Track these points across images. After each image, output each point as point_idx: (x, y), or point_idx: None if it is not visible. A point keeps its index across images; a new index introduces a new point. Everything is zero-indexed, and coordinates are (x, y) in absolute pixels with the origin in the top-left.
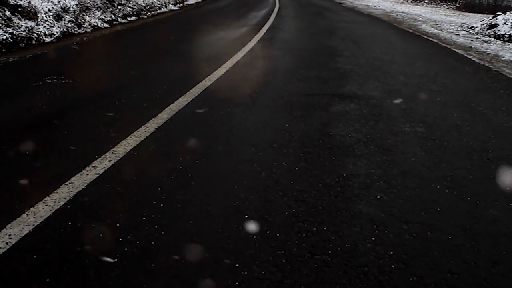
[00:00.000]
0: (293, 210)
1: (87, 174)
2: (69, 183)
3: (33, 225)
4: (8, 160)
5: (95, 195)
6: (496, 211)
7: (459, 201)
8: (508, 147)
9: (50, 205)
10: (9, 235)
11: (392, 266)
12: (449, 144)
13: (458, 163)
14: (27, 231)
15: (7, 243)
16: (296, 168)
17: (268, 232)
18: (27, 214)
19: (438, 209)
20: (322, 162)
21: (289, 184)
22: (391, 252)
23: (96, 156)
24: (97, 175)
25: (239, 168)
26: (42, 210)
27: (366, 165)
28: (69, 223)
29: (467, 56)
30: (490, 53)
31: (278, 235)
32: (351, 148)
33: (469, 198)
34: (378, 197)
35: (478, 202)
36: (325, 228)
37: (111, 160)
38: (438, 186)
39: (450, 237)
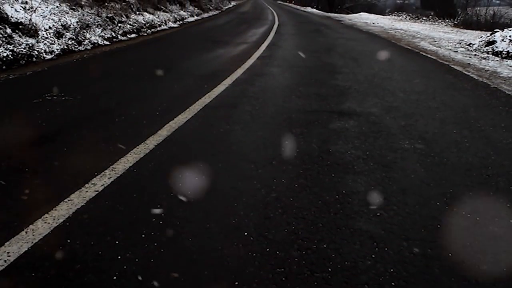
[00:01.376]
0: (293, 228)
1: (87, 191)
2: (68, 200)
3: (32, 242)
4: (8, 177)
5: (94, 212)
6: (496, 228)
7: (459, 218)
8: (507, 163)
9: (49, 223)
10: (8, 252)
11: (393, 283)
12: (448, 161)
13: (458, 180)
14: (26, 249)
15: (5, 261)
16: (296, 185)
17: (267, 249)
18: (26, 232)
19: (438, 226)
20: (322, 179)
21: (289, 201)
22: (391, 270)
23: (96, 173)
24: (96, 192)
25: (238, 185)
26: (41, 227)
27: (365, 182)
28: (68, 241)
29: (465, 72)
30: (488, 70)
31: (278, 252)
32: (351, 165)
33: (469, 215)
34: (378, 214)
35: (478, 219)
36: (325, 246)
37: (110, 177)
38: (438, 203)
39: (450, 254)
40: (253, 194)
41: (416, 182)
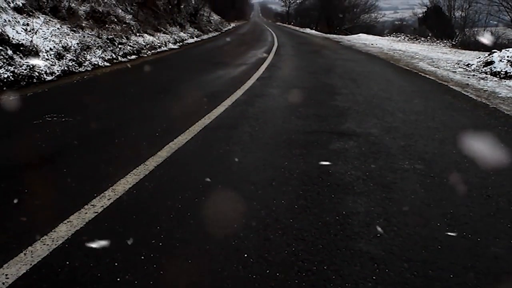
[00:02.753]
0: (293, 249)
1: (86, 213)
2: (68, 222)
3: (31, 264)
4: (7, 198)
5: (94, 234)
6: (497, 249)
7: (460, 239)
8: (507, 183)
9: (48, 244)
10: (6, 274)
11: None
12: (448, 181)
13: (458, 200)
14: (24, 271)
15: (3, 283)
16: (296, 206)
17: (267, 271)
18: (25, 254)
19: (439, 247)
20: (322, 200)
21: (289, 223)
22: None
23: (95, 195)
24: (96, 214)
25: (238, 206)
26: (40, 249)
27: (365, 203)
28: (67, 263)
29: (464, 93)
30: (487, 90)
31: (278, 274)
32: (351, 186)
33: (470, 236)
34: (378, 235)
35: (479, 239)
36: (325, 267)
37: (110, 198)
38: (439, 224)
39: (451, 276)
40: (253, 215)
41: (416, 203)
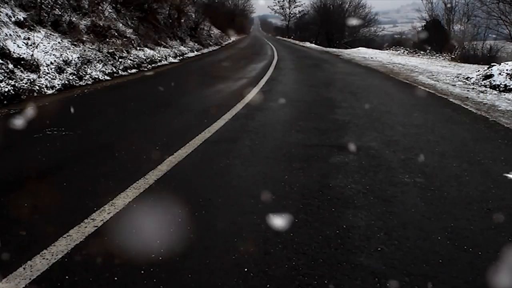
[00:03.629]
0: (293, 263)
1: (86, 227)
2: (67, 236)
3: (30, 279)
4: (6, 212)
5: (94, 248)
6: (499, 262)
7: (460, 253)
8: (508, 197)
9: (47, 259)
10: None
11: None
12: (449, 195)
13: (459, 214)
14: (23, 285)
15: None
16: (296, 220)
17: (268, 286)
18: (24, 268)
19: (440, 261)
20: (322, 213)
21: (289, 236)
22: None
23: (95, 209)
24: (96, 228)
25: (238, 220)
26: (39, 263)
27: (366, 217)
28: (66, 277)
29: (464, 106)
30: (486, 103)
31: None
32: (351, 200)
33: (470, 249)
34: (379, 249)
35: (480, 253)
36: (326, 282)
37: (110, 212)
38: (439, 237)
39: None
40: (253, 229)
41: (417, 216)
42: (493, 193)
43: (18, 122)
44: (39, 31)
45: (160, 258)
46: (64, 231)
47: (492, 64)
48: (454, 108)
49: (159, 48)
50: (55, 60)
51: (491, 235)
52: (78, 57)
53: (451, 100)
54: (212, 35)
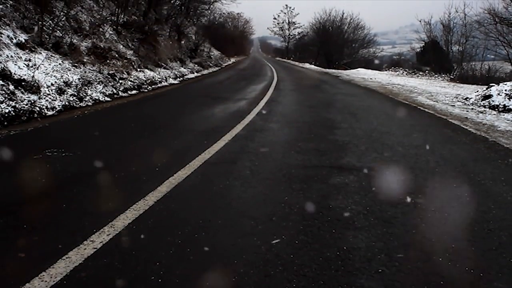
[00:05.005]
0: (294, 285)
1: (85, 249)
2: (66, 258)
3: None
4: (5, 234)
5: (93, 270)
6: (500, 284)
7: (462, 274)
8: (509, 217)
9: (46, 281)
10: None
11: None
12: (449, 216)
13: (460, 235)
14: None
15: None
16: (296, 242)
17: None
18: None
19: (441, 282)
20: (322, 235)
21: (289, 258)
22: None
23: (94, 230)
24: (95, 250)
25: (238, 242)
26: (38, 285)
27: (366, 238)
28: None
29: (463, 126)
30: (486, 124)
31: None
32: (351, 221)
33: (472, 271)
34: (380, 270)
35: (481, 274)
36: None
37: (109, 234)
38: (440, 259)
39: None
40: (253, 251)
41: (417, 238)
42: (493, 213)
43: (18, 143)
44: (40, 53)
45: (160, 280)
46: (63, 253)
47: (491, 84)
48: (453, 128)
49: (159, 69)
50: (55, 82)
51: (493, 256)
52: (79, 79)
53: (450, 120)
54: (212, 56)
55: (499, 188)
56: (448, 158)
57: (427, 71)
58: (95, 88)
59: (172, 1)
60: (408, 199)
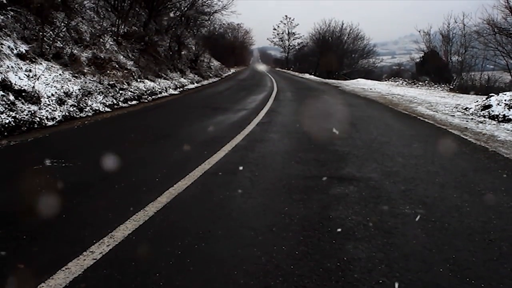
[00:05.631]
0: None
1: (84, 260)
2: (66, 269)
3: None
4: (5, 245)
5: (92, 281)
6: None
7: (463, 284)
8: (509, 228)
9: None
10: None
11: None
12: (450, 226)
13: (460, 245)
14: None
15: None
16: (296, 252)
17: None
18: None
19: None
20: (323, 246)
21: (290, 269)
22: None
23: (94, 241)
24: (95, 260)
25: (238, 252)
26: None
27: (367, 249)
28: None
29: (463, 136)
30: (485, 134)
31: None
32: (352, 231)
33: (473, 281)
34: (380, 281)
35: (482, 285)
36: None
37: (109, 245)
38: (441, 269)
39: None
40: (253, 261)
41: (418, 248)
42: (494, 223)
43: (18, 153)
44: (41, 63)
45: None
46: (62, 264)
47: (490, 94)
48: (453, 138)
49: (159, 80)
50: (56, 92)
51: (493, 267)
52: (79, 89)
53: (450, 130)
54: (212, 67)
55: (499, 198)
56: (448, 168)
57: (426, 81)
58: (95, 98)
59: (172, 12)
60: (408, 209)
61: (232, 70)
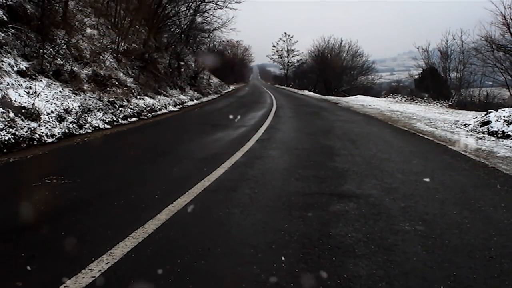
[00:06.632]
0: None
1: (83, 277)
2: (64, 287)
3: None
4: (3, 263)
5: None
6: None
7: None
8: (510, 244)
9: None
10: None
11: None
12: (450, 243)
13: (461, 262)
14: None
15: None
16: (296, 270)
17: None
18: None
19: None
20: (323, 263)
21: (290, 287)
22: None
23: (93, 258)
24: (93, 278)
25: (238, 270)
26: None
27: (367, 266)
28: None
29: (462, 153)
30: (485, 150)
31: None
32: (352, 248)
33: None
34: None
35: None
36: None
37: (108, 262)
38: (442, 287)
39: None
40: (253, 279)
41: (418, 265)
42: (495, 240)
43: (18, 170)
44: (41, 80)
45: None
46: (61, 282)
47: (489, 110)
48: (453, 154)
49: (159, 97)
50: (55, 109)
51: (495, 284)
52: (79, 106)
53: (449, 147)
54: (211, 83)
55: (499, 215)
56: (448, 184)
57: (425, 98)
58: (95, 115)
59: (172, 29)
60: (409, 226)
61: (232, 87)
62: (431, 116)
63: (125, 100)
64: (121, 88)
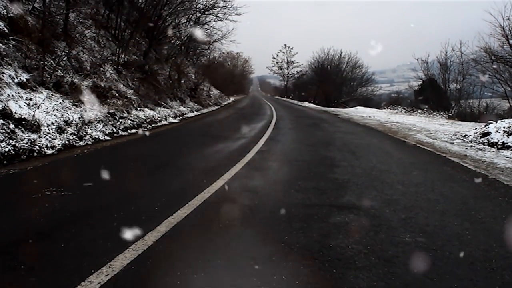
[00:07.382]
0: None
1: None
2: None
3: None
4: (2, 275)
5: None
6: None
7: None
8: (511, 256)
9: None
10: None
11: None
12: (451, 254)
13: (462, 274)
14: None
15: None
16: (297, 282)
17: None
18: None
19: None
20: (323, 275)
21: None
22: None
23: (93, 271)
24: None
25: (238, 282)
26: None
27: (368, 278)
28: None
29: (463, 164)
30: (485, 161)
31: None
32: (352, 260)
33: None
34: None
35: None
36: None
37: (107, 274)
38: None
39: None
40: None
41: (419, 277)
42: (496, 252)
43: (17, 182)
44: (41, 92)
45: None
46: None
47: (489, 122)
48: (453, 166)
49: (159, 108)
50: (56, 120)
51: None
52: (79, 117)
53: (449, 158)
54: (211, 95)
55: (500, 226)
56: (448, 195)
57: (425, 109)
58: (95, 127)
59: (172, 41)
60: (409, 238)
61: (232, 99)
62: (431, 127)
63: (125, 111)
64: (121, 99)
